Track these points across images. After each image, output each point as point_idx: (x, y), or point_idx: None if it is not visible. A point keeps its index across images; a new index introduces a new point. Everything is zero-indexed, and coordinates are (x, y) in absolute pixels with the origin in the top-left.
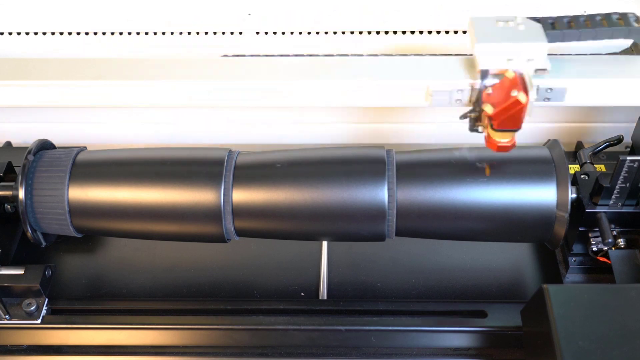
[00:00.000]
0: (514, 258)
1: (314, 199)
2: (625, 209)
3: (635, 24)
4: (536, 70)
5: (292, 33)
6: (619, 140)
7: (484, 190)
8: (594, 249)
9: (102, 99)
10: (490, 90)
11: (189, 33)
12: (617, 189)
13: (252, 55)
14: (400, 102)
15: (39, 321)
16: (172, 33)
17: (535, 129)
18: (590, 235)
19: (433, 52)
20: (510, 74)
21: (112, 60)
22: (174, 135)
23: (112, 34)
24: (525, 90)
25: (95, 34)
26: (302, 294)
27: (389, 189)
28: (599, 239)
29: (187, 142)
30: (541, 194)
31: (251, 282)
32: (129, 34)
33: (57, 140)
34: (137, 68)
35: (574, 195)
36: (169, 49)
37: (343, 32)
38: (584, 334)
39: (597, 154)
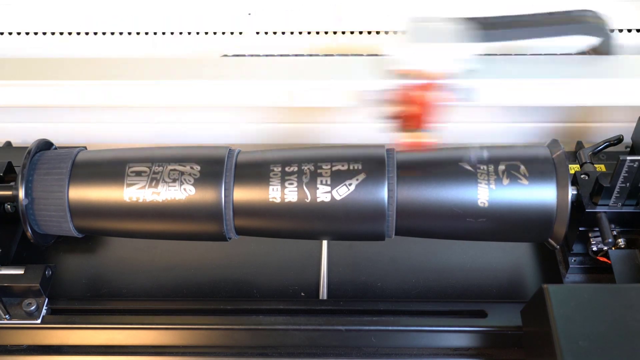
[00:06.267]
0: (514, 258)
1: (314, 197)
2: (625, 209)
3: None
4: (460, 71)
5: (292, 33)
6: (619, 140)
7: (483, 190)
8: (594, 248)
9: (102, 99)
10: (411, 91)
11: (189, 33)
12: (617, 189)
13: (252, 55)
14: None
15: (39, 321)
16: (172, 33)
17: (535, 129)
18: (590, 235)
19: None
20: (429, 74)
21: (112, 60)
22: (174, 135)
23: (112, 34)
24: (439, 90)
25: (95, 34)
26: (302, 294)
27: (389, 189)
28: (599, 239)
29: (187, 141)
30: (541, 194)
31: (251, 282)
32: (129, 34)
33: (57, 140)
34: (137, 68)
35: (574, 196)
36: (169, 49)
37: (343, 32)
38: (584, 334)
39: (597, 154)
